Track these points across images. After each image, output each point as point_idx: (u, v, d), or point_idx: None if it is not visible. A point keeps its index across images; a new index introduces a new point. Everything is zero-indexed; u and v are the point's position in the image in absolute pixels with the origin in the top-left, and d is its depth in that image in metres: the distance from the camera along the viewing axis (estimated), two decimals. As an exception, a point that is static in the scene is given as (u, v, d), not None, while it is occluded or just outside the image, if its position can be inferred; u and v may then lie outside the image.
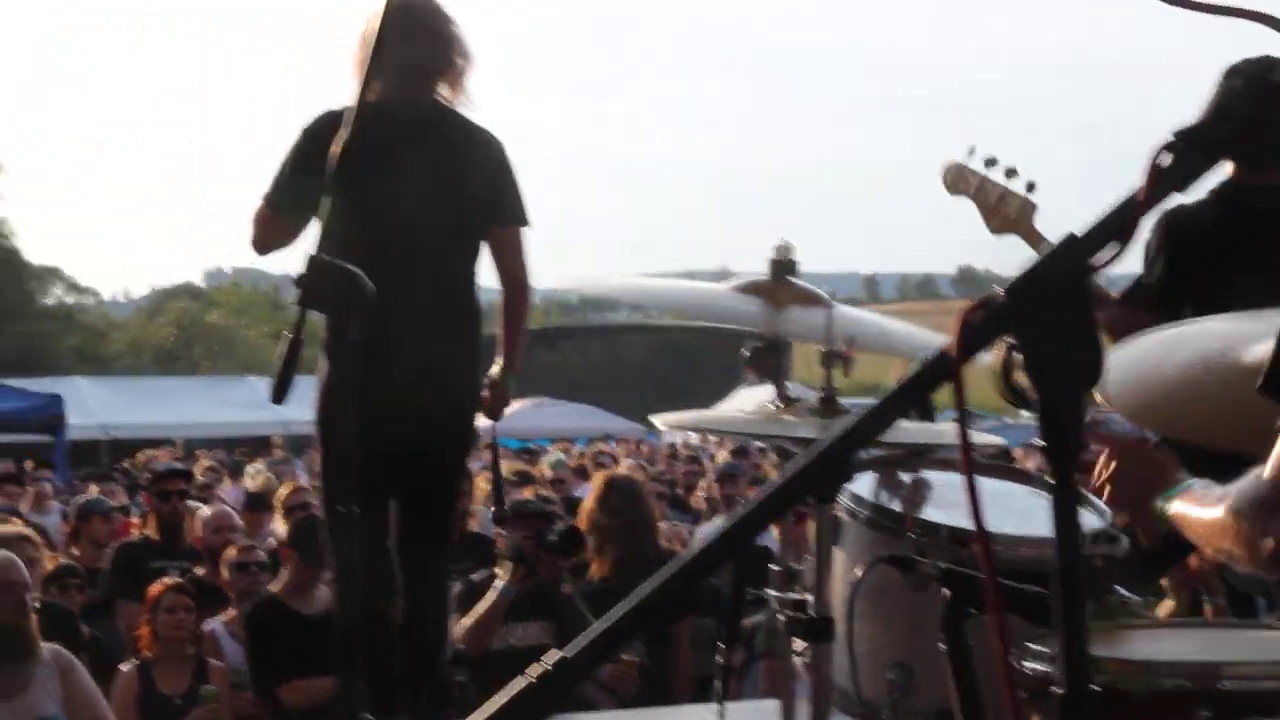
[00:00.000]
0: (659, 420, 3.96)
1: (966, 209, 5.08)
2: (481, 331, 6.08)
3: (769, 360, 3.52)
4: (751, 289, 3.56)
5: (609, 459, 20.10)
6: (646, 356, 53.42)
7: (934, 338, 3.68)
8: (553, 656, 1.70)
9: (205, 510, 11.15)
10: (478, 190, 5.96)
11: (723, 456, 19.15)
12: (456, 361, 5.94)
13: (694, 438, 25.35)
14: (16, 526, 9.07)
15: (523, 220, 6.10)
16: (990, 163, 5.02)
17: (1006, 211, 4.95)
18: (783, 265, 3.53)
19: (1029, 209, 4.94)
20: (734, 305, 3.61)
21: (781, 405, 3.54)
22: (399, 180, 5.67)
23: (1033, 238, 4.92)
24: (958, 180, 5.07)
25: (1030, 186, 4.95)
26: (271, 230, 5.97)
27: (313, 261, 3.67)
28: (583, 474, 16.78)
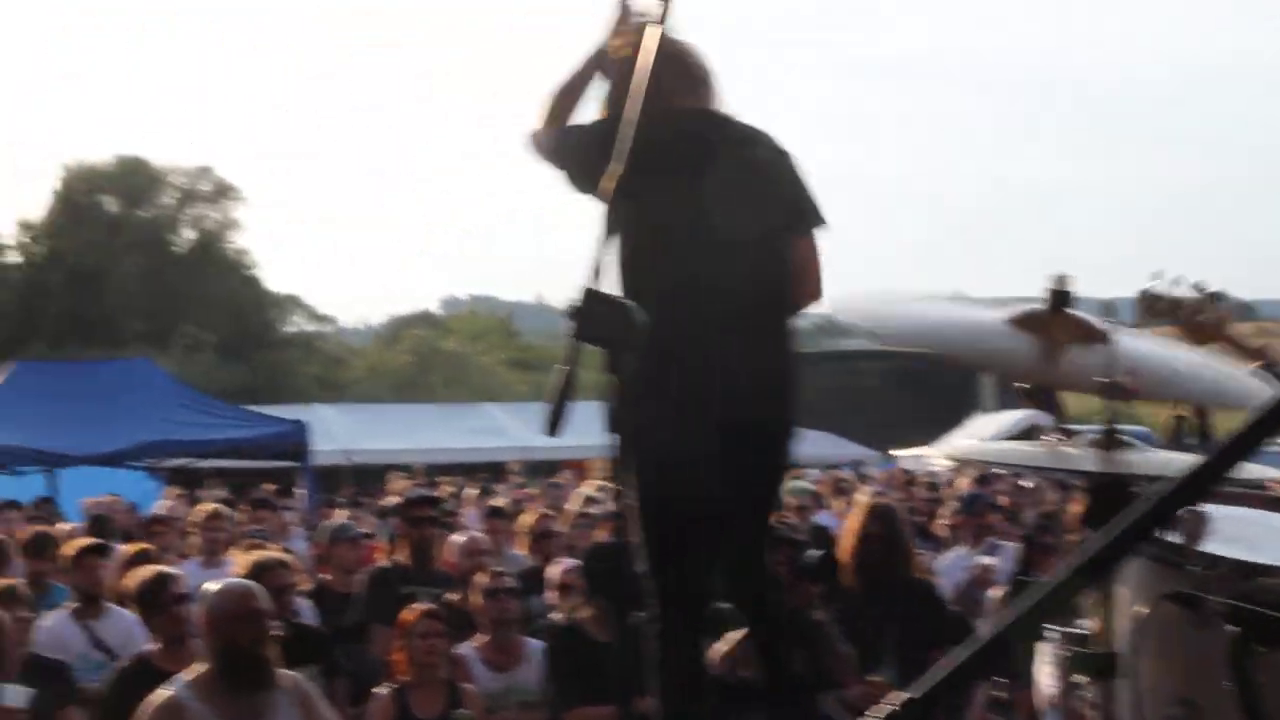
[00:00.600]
0: (934, 451, 3.94)
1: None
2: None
3: (1044, 391, 3.47)
4: (1027, 321, 3.51)
5: (848, 486, 20.02)
6: (881, 382, 53.08)
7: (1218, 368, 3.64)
8: (898, 697, 1.69)
9: (457, 536, 11.31)
10: (782, 198, 5.80)
11: (961, 484, 18.97)
12: (783, 376, 5.77)
13: (933, 465, 25.14)
14: (273, 551, 9.25)
15: (822, 223, 5.89)
16: (1177, 283, 5.01)
17: (1205, 326, 4.95)
18: (1060, 295, 3.48)
19: (1226, 319, 4.94)
20: (1009, 338, 3.55)
21: (1061, 438, 3.49)
22: (709, 191, 5.53)
23: (1232, 345, 4.93)
24: (1152, 308, 5.03)
25: (1216, 297, 4.95)
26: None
27: (588, 294, 3.69)
28: (821, 501, 16.73)
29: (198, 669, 6.79)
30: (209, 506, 13.47)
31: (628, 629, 5.83)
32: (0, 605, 8.22)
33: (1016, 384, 3.64)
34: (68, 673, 8.60)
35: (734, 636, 7.20)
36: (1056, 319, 3.48)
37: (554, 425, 3.71)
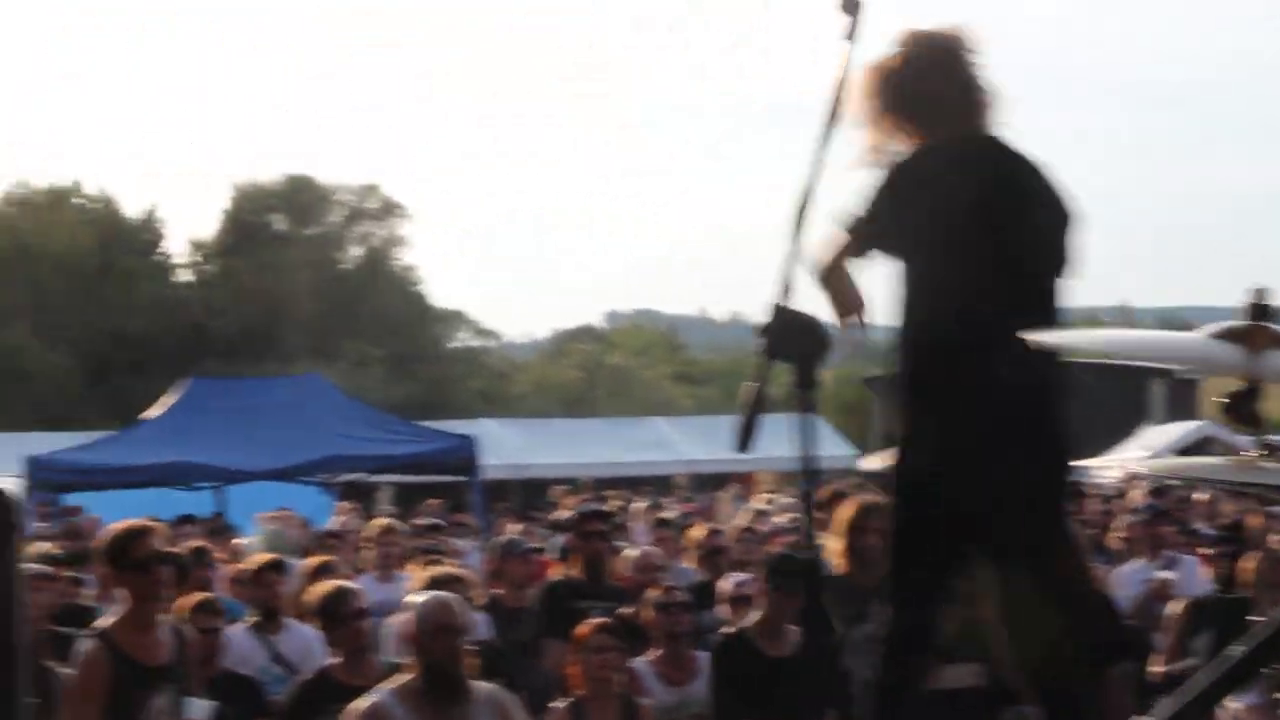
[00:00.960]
0: (1127, 465, 3.88)
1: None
2: None
3: (1246, 406, 3.40)
4: (1229, 334, 3.44)
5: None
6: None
7: None
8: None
9: (630, 550, 11.34)
10: (1073, 223, 5.47)
11: (1134, 496, 18.70)
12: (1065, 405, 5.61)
13: (1100, 477, 24.82)
14: (450, 568, 9.32)
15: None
16: None
17: None
18: (1259, 308, 3.41)
19: None
20: (1210, 351, 3.47)
21: (1266, 452, 3.41)
22: (1042, 218, 5.27)
23: None
24: None
25: None
26: (841, 258, 5.21)
27: (778, 311, 3.67)
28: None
29: (402, 678, 7.05)
30: (382, 521, 13.60)
31: (816, 643, 5.76)
32: (194, 618, 8.40)
33: (1216, 400, 3.56)
34: (256, 688, 8.72)
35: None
36: (1257, 329, 3.40)
37: (744, 440, 3.70)
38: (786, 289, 3.76)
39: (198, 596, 8.93)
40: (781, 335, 3.66)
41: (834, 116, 3.98)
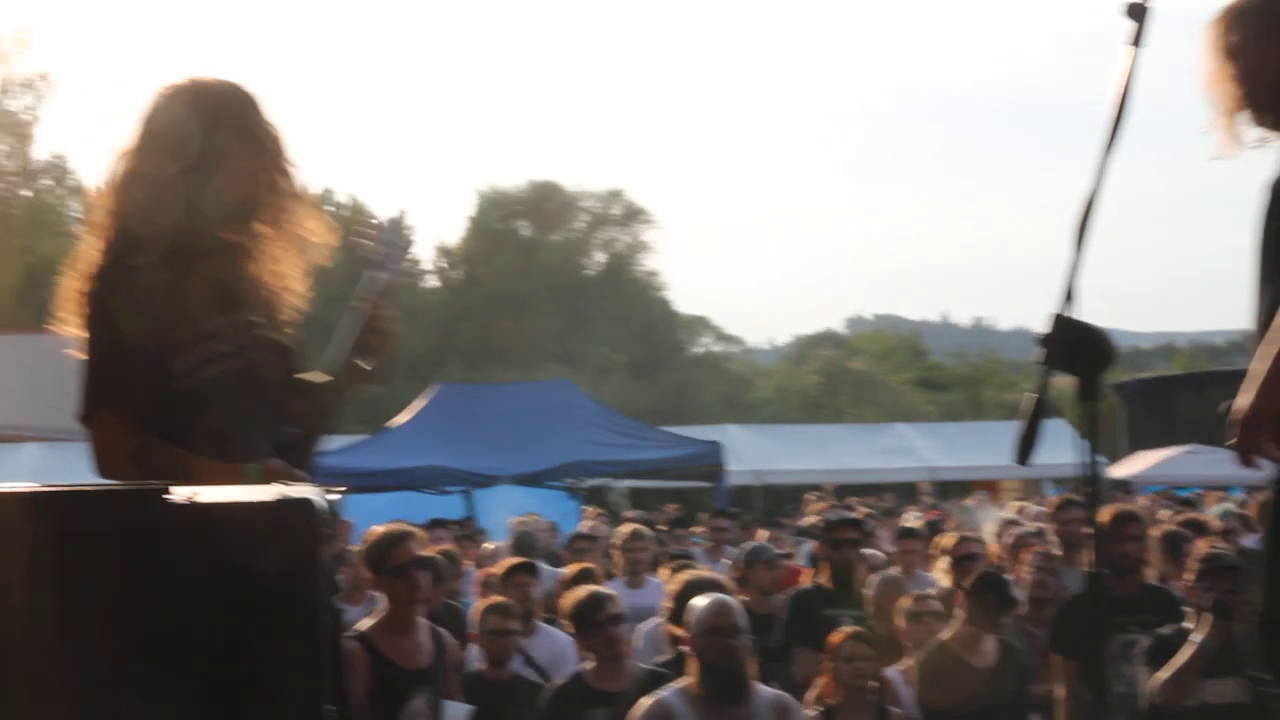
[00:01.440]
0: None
1: None
2: None
3: None
4: None
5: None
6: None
7: None
8: None
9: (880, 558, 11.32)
10: None
11: None
12: None
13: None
14: (706, 573, 9.33)
15: None
16: None
17: None
18: None
19: None
20: None
21: None
22: None
23: None
24: None
25: None
26: None
27: (1059, 321, 3.60)
28: (1249, 524, 16.12)
29: (688, 679, 7.16)
30: (631, 526, 13.67)
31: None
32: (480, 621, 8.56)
33: None
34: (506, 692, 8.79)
35: None
36: None
37: (1024, 452, 3.62)
38: (1069, 297, 3.67)
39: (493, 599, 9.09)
40: (1064, 345, 3.57)
41: (1118, 124, 3.86)
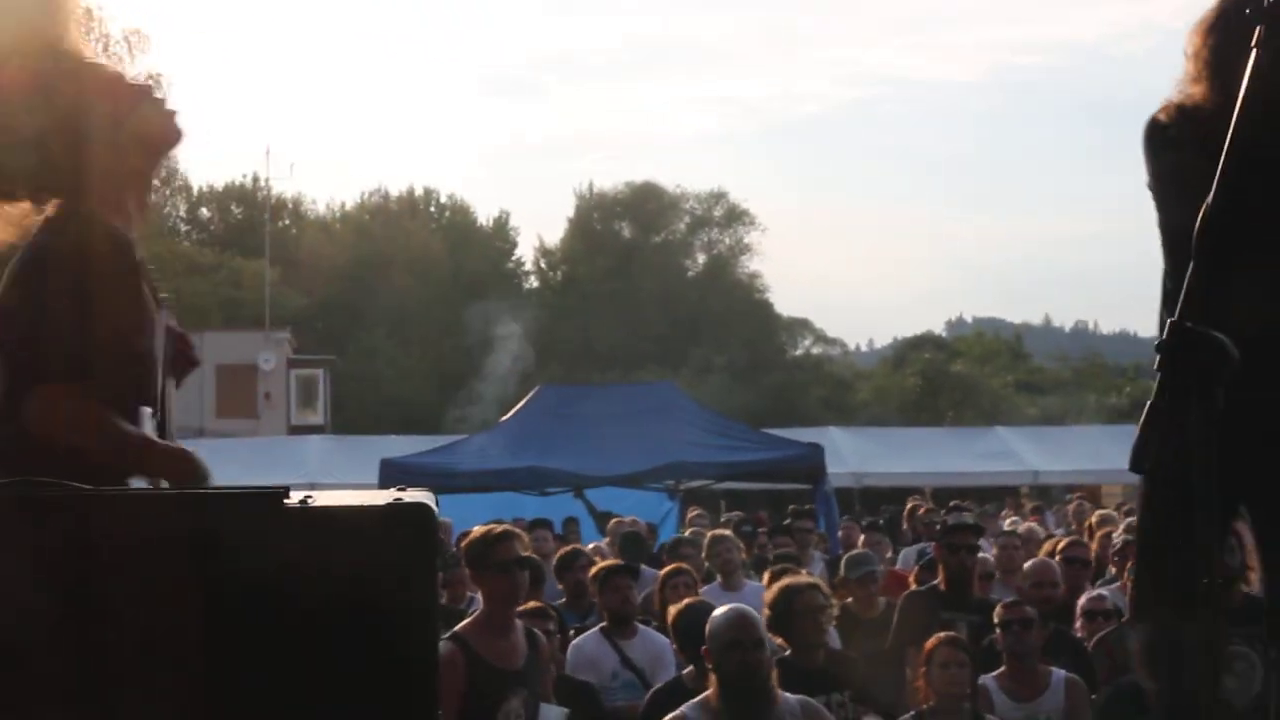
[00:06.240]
0: None
1: None
2: None
3: None
4: None
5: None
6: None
7: None
8: None
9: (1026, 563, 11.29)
10: None
11: None
12: None
13: None
14: (805, 577, 9.32)
15: None
16: None
17: None
18: None
19: None
20: None
21: None
22: None
23: None
24: None
25: None
26: None
27: (1174, 328, 3.58)
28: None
29: (708, 693, 7.06)
30: (728, 529, 13.68)
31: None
32: (538, 623, 8.58)
33: None
34: (596, 694, 8.84)
35: None
36: None
37: (1142, 460, 3.62)
38: (1189, 302, 3.64)
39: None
40: (1181, 351, 3.56)
41: (1241, 125, 3.79)
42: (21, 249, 3.84)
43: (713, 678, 7.06)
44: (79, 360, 3.66)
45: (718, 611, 7.30)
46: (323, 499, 2.13)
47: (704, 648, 7.17)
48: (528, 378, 37.05)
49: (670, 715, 7.03)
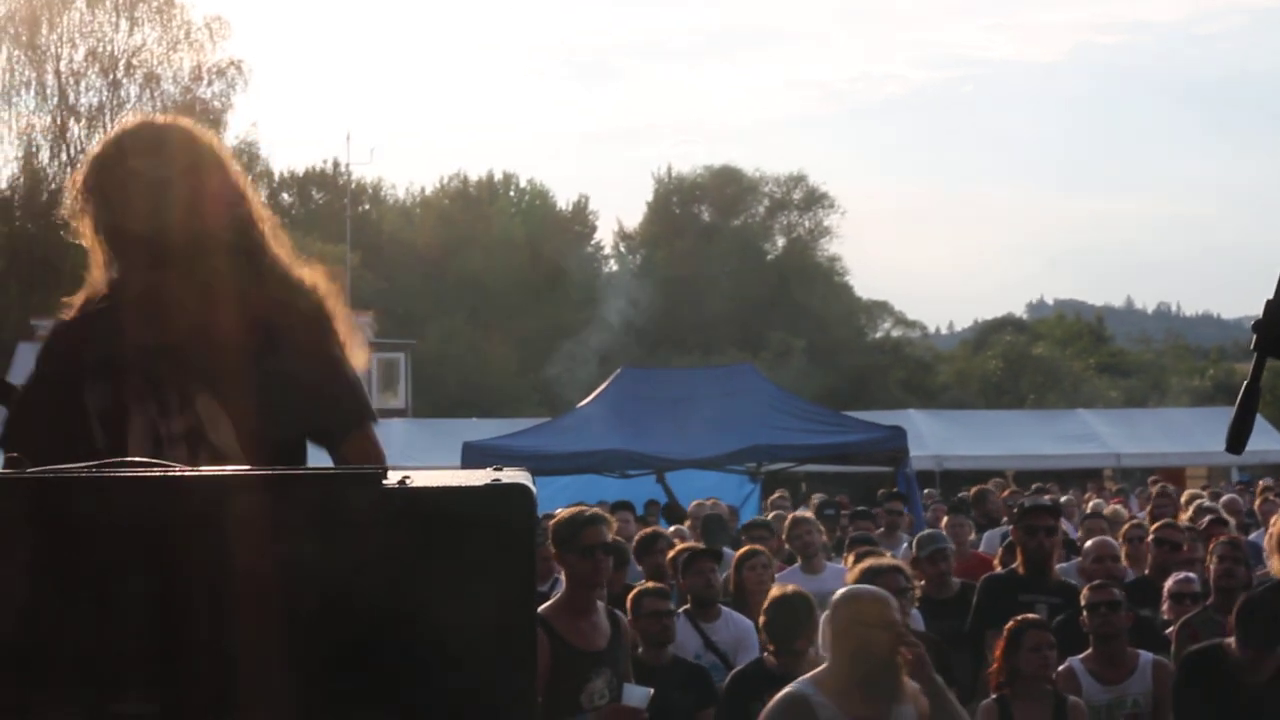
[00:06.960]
0: None
1: None
2: None
3: None
4: None
5: None
6: None
7: None
8: None
9: (1087, 542, 11.24)
10: None
11: None
12: None
13: None
14: (888, 559, 9.28)
15: None
16: None
17: None
18: None
19: None
20: None
21: None
22: None
23: None
24: None
25: None
26: None
27: (1272, 307, 3.54)
28: None
29: (827, 669, 6.78)
30: (809, 512, 13.65)
31: None
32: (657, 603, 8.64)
33: None
34: (707, 676, 8.82)
35: None
36: None
37: (1237, 440, 3.58)
38: None
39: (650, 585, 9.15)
40: (1276, 331, 3.51)
41: None
42: (269, 306, 4.12)
43: (840, 655, 6.72)
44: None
45: (846, 590, 7.08)
46: (420, 479, 2.14)
47: (834, 623, 6.80)
48: (607, 360, 37.11)
49: (786, 690, 6.77)
